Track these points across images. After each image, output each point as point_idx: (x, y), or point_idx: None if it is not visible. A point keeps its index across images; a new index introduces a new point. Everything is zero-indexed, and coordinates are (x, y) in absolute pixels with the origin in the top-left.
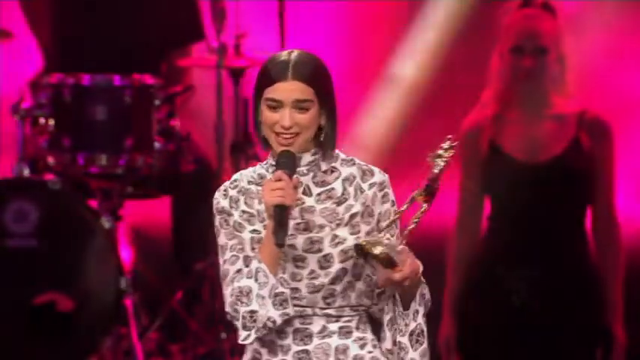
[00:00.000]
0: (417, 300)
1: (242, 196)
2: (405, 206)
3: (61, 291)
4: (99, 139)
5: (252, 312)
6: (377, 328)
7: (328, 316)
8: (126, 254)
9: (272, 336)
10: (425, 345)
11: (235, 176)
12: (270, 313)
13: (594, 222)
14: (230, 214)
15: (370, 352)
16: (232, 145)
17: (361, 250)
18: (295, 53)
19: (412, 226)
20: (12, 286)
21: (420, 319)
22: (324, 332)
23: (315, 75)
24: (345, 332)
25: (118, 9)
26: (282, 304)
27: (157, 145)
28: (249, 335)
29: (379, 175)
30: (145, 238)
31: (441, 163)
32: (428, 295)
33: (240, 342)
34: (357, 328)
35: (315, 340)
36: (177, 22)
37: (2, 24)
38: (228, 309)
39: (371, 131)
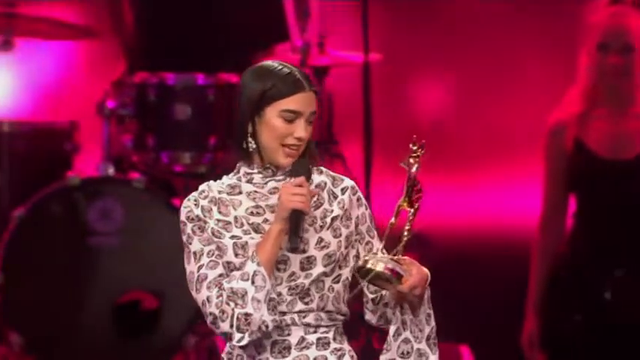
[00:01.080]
0: (426, 303)
1: (214, 206)
2: (393, 218)
3: (145, 289)
4: (183, 137)
5: (247, 315)
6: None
7: (307, 326)
8: None
9: (250, 350)
10: None
11: (202, 187)
12: (265, 317)
13: None
14: (205, 222)
15: None
16: (315, 143)
17: (363, 271)
18: (288, 64)
19: (408, 235)
20: (97, 284)
21: (433, 322)
22: (302, 344)
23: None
24: (322, 343)
25: (202, 9)
26: (274, 309)
27: None
28: (242, 337)
29: (348, 181)
30: None
31: (413, 163)
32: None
33: (235, 344)
34: (334, 339)
35: (294, 352)
36: (263, 22)
37: (87, 23)
38: (212, 310)
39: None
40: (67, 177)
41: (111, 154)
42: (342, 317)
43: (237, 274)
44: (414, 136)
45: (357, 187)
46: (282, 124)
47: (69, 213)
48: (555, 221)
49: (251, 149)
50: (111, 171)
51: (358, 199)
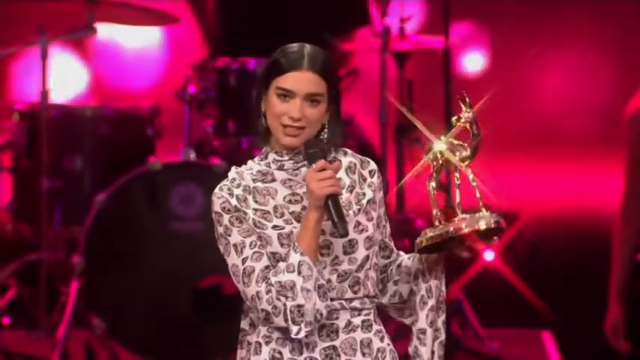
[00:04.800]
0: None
1: (249, 195)
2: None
3: (226, 274)
4: None
5: (299, 306)
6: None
7: (353, 309)
8: None
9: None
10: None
11: (232, 175)
12: (318, 305)
13: None
14: (244, 212)
15: (388, 344)
16: (396, 128)
17: (455, 236)
18: (309, 46)
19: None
20: (178, 269)
21: (444, 287)
22: (349, 327)
23: (329, 69)
24: (366, 325)
25: None
26: (325, 295)
27: None
28: (300, 330)
29: (373, 163)
30: None
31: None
32: None
33: (293, 336)
34: (375, 321)
35: (342, 335)
36: (344, 7)
37: (168, 8)
38: (264, 306)
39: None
40: (149, 162)
41: (192, 140)
42: (377, 300)
43: (282, 266)
44: (463, 92)
45: (377, 170)
46: (278, 102)
47: (150, 198)
48: (636, 209)
49: (262, 128)
50: (192, 156)
51: (381, 182)
